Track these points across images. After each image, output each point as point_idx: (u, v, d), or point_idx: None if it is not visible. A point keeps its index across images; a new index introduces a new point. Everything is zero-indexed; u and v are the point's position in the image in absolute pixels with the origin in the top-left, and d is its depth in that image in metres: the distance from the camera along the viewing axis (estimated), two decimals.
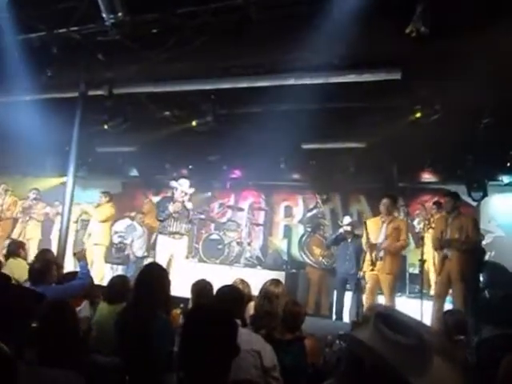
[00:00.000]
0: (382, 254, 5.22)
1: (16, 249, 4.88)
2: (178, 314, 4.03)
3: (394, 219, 5.51)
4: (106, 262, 7.87)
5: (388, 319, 1.12)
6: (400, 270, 5.73)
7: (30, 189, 8.15)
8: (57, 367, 1.74)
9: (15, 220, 8.09)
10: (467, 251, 5.04)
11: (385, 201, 5.39)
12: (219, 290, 2.91)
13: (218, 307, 1.72)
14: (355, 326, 2.92)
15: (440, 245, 5.08)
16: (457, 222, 5.09)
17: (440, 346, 1.12)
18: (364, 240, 5.51)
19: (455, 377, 1.19)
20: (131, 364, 1.96)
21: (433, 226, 5.94)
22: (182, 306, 4.08)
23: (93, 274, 4.41)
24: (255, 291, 3.75)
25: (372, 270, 5.21)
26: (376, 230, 5.38)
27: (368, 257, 5.32)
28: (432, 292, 6.26)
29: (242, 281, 3.90)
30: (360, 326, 1.24)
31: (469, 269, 5.07)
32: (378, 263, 5.20)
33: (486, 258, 6.96)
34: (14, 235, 7.85)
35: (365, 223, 5.70)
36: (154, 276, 2.81)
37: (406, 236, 5.51)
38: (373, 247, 5.24)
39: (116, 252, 8.47)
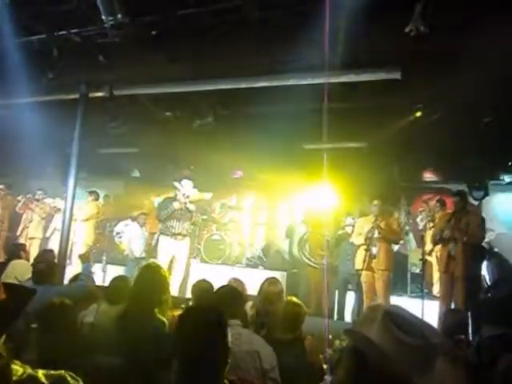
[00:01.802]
0: (375, 251, 5.22)
1: (17, 251, 4.93)
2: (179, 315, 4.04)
3: (387, 218, 5.52)
4: (106, 262, 7.87)
5: (397, 319, 1.13)
6: (395, 267, 5.74)
7: (37, 189, 8.17)
8: (55, 367, 1.74)
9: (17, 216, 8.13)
10: (470, 247, 5.03)
11: (375, 202, 5.48)
12: (218, 291, 2.92)
13: (209, 308, 1.73)
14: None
15: (441, 238, 5.04)
16: (464, 219, 5.08)
17: (444, 348, 1.13)
18: (354, 235, 5.56)
19: (456, 378, 1.19)
20: (129, 364, 1.98)
21: (436, 222, 5.95)
22: (183, 306, 4.09)
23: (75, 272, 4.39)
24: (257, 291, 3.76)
25: (367, 267, 5.21)
26: (367, 227, 5.39)
27: (360, 253, 5.33)
28: (434, 291, 6.25)
29: (236, 280, 3.91)
30: (364, 324, 1.24)
31: (472, 267, 5.04)
32: (373, 261, 5.21)
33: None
34: (18, 232, 7.89)
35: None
36: (152, 276, 2.81)
37: (401, 232, 5.52)
38: (366, 240, 5.25)
39: (118, 253, 8.50)
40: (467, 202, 5.41)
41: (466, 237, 4.95)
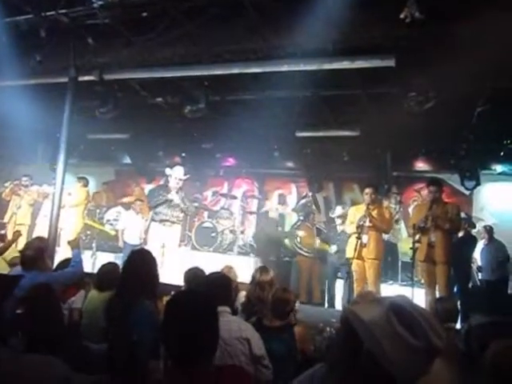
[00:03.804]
0: (365, 239, 5.23)
1: None
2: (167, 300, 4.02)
3: (379, 206, 5.51)
4: (97, 249, 7.81)
5: (401, 313, 1.09)
6: (386, 256, 5.75)
7: (23, 175, 7.98)
8: (41, 353, 1.71)
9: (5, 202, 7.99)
10: (450, 234, 5.10)
11: (367, 190, 5.42)
12: (208, 277, 2.90)
13: (197, 292, 1.70)
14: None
15: (424, 226, 5.04)
16: (442, 208, 5.11)
17: (444, 349, 1.10)
18: (347, 224, 5.56)
19: (447, 369, 1.16)
20: (116, 351, 1.95)
21: (414, 212, 5.96)
22: (172, 293, 4.06)
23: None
24: (248, 279, 3.75)
25: (358, 255, 5.21)
26: (360, 215, 5.38)
27: (352, 241, 5.33)
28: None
29: (230, 268, 3.90)
30: (360, 308, 1.20)
31: (452, 252, 5.08)
32: (364, 250, 5.21)
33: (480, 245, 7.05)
34: (5, 219, 7.75)
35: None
36: (139, 262, 2.78)
37: (392, 222, 5.48)
38: (357, 229, 5.25)
39: (108, 240, 8.43)
40: (443, 190, 5.39)
41: (448, 224, 4.97)
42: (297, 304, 3.18)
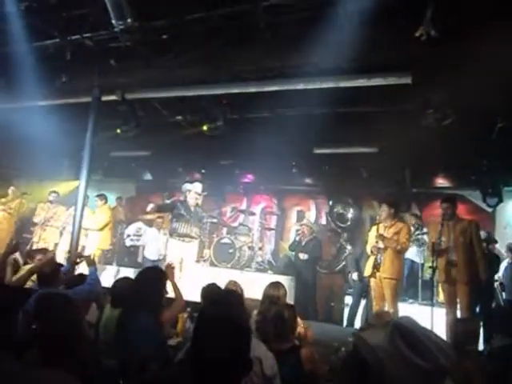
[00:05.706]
0: (380, 259, 5.16)
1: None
2: (184, 318, 4.04)
3: (396, 224, 5.41)
4: (117, 264, 7.92)
5: (407, 335, 1.08)
6: (408, 275, 5.59)
7: (49, 191, 8.06)
8: (55, 368, 1.74)
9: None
10: (471, 252, 4.90)
11: (384, 207, 5.39)
12: (222, 295, 2.89)
13: (236, 313, 1.58)
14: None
15: (439, 244, 4.91)
16: (459, 227, 4.97)
17: (454, 369, 1.08)
18: (367, 244, 5.49)
19: None
20: (125, 366, 1.97)
21: (429, 232, 5.83)
22: (188, 309, 4.08)
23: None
24: None
25: (374, 274, 5.15)
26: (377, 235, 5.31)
27: (369, 261, 5.27)
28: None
29: (235, 283, 3.90)
30: (370, 331, 1.20)
31: (474, 272, 4.90)
32: (380, 269, 5.13)
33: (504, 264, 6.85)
34: (34, 238, 7.85)
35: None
36: (147, 279, 2.81)
37: (408, 239, 5.36)
38: (373, 247, 5.21)
39: (128, 255, 8.53)
40: (457, 207, 5.22)
41: (465, 243, 4.82)
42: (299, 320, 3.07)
